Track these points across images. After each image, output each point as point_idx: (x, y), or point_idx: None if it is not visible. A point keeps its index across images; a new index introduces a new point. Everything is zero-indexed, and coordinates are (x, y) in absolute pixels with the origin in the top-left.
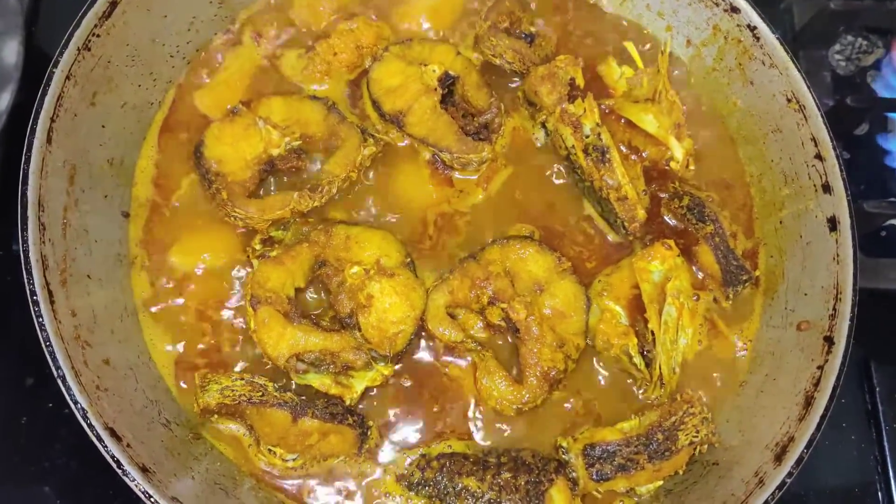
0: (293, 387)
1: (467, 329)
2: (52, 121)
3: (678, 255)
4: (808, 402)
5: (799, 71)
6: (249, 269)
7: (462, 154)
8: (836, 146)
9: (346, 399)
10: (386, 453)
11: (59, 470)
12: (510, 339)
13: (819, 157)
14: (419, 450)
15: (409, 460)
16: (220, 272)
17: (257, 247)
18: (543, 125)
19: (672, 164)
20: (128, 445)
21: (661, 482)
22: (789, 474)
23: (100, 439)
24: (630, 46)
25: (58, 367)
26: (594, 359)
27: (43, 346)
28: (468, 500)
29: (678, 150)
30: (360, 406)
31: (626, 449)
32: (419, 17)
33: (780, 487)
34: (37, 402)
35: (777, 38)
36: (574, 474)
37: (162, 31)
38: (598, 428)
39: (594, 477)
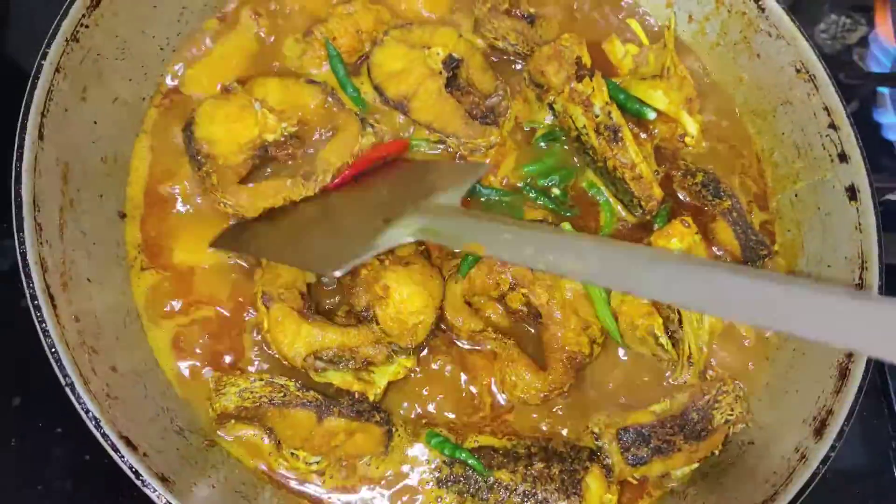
0: (315, 385)
1: (487, 317)
2: (43, 116)
3: (696, 233)
4: (844, 373)
5: (807, 40)
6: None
7: (470, 139)
8: (849, 114)
9: (370, 395)
10: (411, 451)
11: (55, 492)
12: (532, 327)
13: (833, 126)
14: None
15: (435, 459)
16: (226, 268)
17: None
18: (551, 106)
19: (687, 140)
20: (144, 455)
21: (696, 465)
22: (832, 448)
23: (115, 449)
24: (634, 23)
25: (65, 375)
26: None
27: (48, 353)
28: (502, 492)
29: (692, 126)
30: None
31: (661, 430)
32: (417, 1)
33: (823, 462)
34: (26, 423)
35: (783, 9)
36: (608, 460)
37: (152, 21)
38: (629, 411)
39: (630, 461)
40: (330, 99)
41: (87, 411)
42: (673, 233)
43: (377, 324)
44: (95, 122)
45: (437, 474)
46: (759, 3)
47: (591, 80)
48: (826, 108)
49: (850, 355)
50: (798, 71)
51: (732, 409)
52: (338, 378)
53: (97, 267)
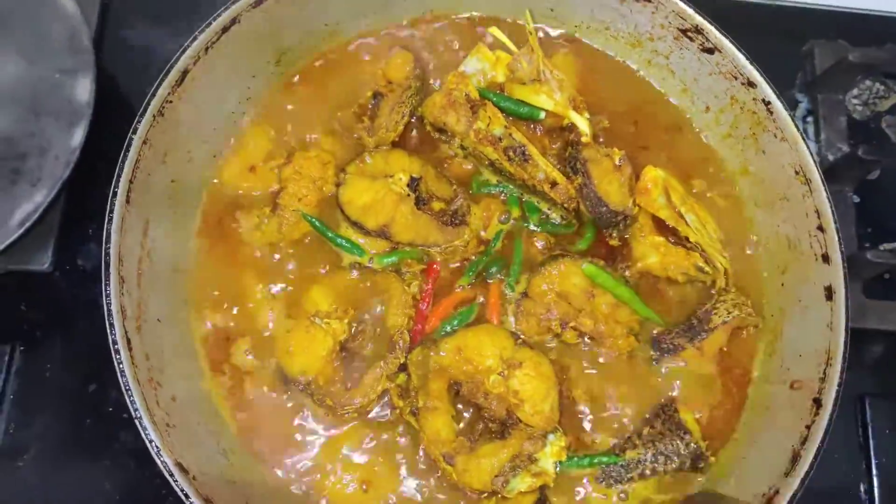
0: None
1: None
2: (131, 182)
3: (660, 170)
4: (795, 458)
5: (807, 146)
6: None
7: (448, 243)
8: (836, 219)
9: (549, 482)
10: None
11: (119, 469)
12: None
13: (821, 228)
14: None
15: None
16: None
17: (402, 404)
18: (462, 146)
19: (583, 139)
20: (193, 478)
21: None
22: None
23: (171, 474)
24: (495, 31)
25: (135, 409)
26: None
27: (123, 390)
28: (639, 467)
29: (582, 124)
30: None
31: (668, 336)
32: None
33: None
34: (99, 407)
35: (789, 115)
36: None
37: (225, 90)
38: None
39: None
40: (363, 273)
41: (150, 441)
42: (646, 180)
43: (521, 422)
44: (173, 181)
45: (600, 479)
46: (769, 106)
47: (486, 111)
48: (817, 211)
49: (803, 442)
50: (797, 173)
51: (729, 312)
52: (522, 484)
53: (166, 308)
